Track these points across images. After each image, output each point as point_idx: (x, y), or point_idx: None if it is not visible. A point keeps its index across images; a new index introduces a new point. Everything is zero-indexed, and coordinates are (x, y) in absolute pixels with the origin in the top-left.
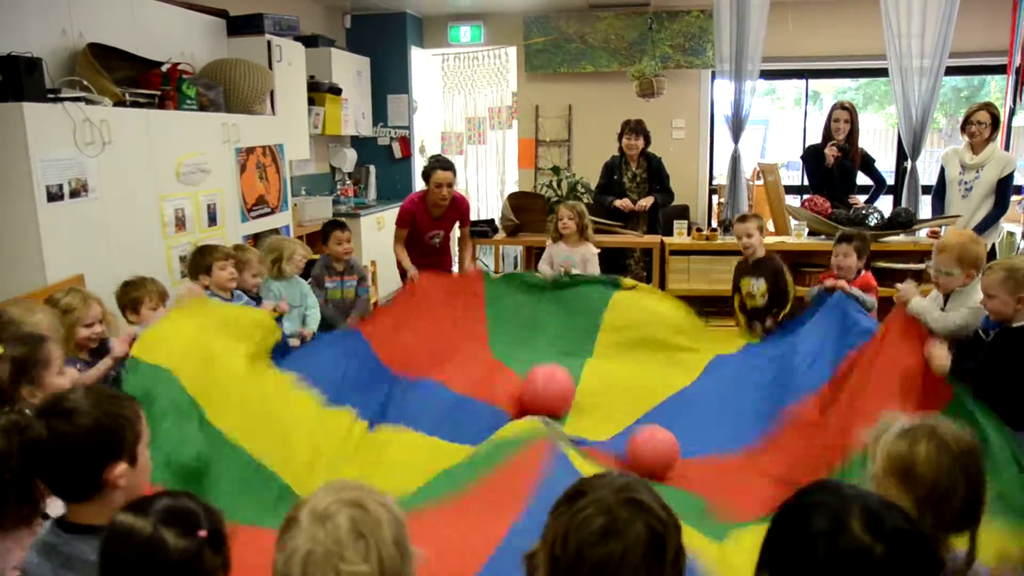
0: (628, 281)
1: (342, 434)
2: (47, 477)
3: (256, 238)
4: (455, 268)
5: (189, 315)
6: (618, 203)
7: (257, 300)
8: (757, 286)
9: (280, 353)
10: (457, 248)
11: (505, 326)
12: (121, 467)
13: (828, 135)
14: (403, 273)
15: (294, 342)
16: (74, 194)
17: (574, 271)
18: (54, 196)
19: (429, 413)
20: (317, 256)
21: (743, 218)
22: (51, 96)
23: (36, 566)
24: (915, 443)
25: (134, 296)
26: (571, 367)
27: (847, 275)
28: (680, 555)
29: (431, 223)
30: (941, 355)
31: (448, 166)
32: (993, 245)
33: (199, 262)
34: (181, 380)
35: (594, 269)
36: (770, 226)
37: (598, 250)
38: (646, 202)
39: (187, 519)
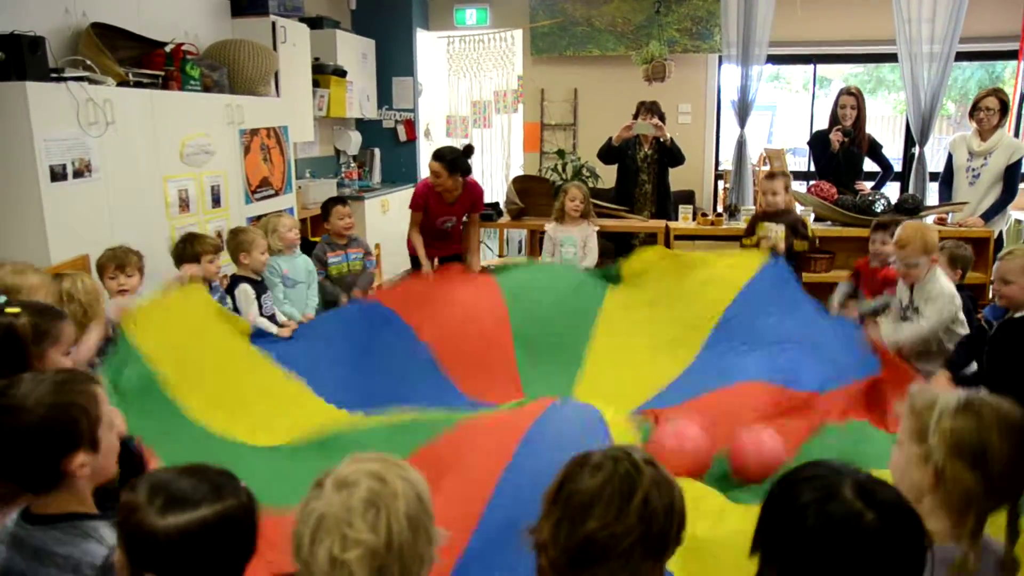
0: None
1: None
2: (5, 471)
3: (259, 220)
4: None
5: (182, 300)
6: (617, 135)
7: (253, 283)
8: (776, 230)
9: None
10: (465, 230)
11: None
12: (80, 457)
13: (835, 120)
14: (416, 256)
15: (292, 325)
16: (77, 174)
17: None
18: (58, 176)
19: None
20: (317, 239)
21: (771, 175)
22: (54, 75)
23: (7, 559)
24: (982, 418)
25: (118, 262)
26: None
27: (882, 261)
28: (653, 501)
29: (444, 208)
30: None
31: (438, 156)
32: (1000, 232)
33: (187, 251)
34: (153, 368)
35: (593, 246)
36: None
37: (597, 228)
38: (660, 132)
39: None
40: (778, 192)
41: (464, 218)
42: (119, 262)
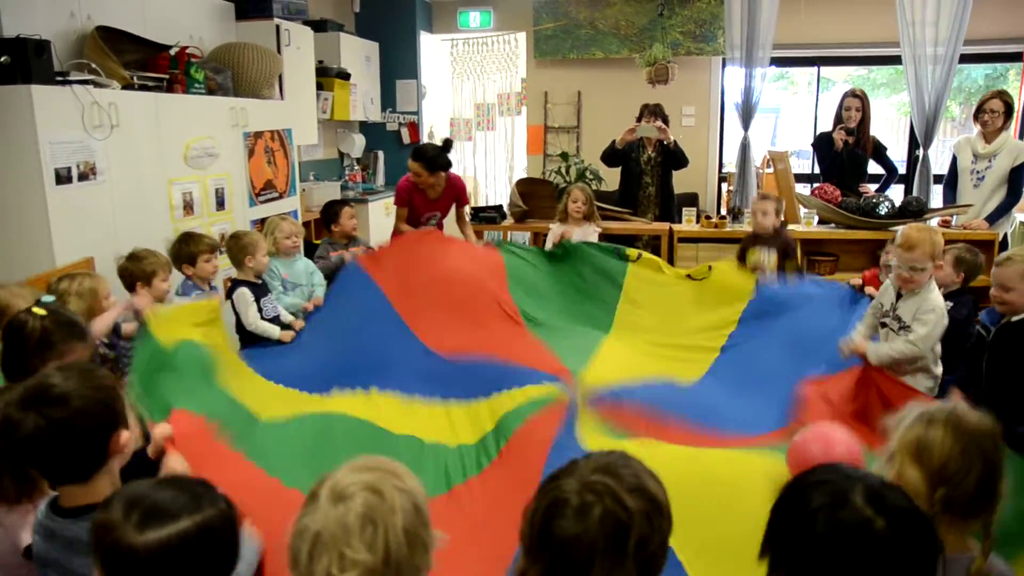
0: (631, 252)
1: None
2: (48, 466)
3: (263, 223)
4: None
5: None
6: (620, 139)
7: (253, 286)
8: (768, 257)
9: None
10: (458, 229)
11: (526, 292)
12: (125, 435)
13: (839, 122)
14: None
15: (297, 325)
16: (82, 177)
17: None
18: (62, 179)
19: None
20: (319, 242)
21: (764, 196)
22: (59, 79)
23: (44, 550)
24: (931, 425)
25: (150, 270)
26: (588, 340)
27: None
28: (648, 542)
29: (427, 203)
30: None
31: (418, 157)
32: (1005, 235)
33: (183, 250)
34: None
35: None
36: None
37: (599, 230)
38: (664, 135)
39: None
40: (768, 213)
41: (450, 213)
42: (168, 264)
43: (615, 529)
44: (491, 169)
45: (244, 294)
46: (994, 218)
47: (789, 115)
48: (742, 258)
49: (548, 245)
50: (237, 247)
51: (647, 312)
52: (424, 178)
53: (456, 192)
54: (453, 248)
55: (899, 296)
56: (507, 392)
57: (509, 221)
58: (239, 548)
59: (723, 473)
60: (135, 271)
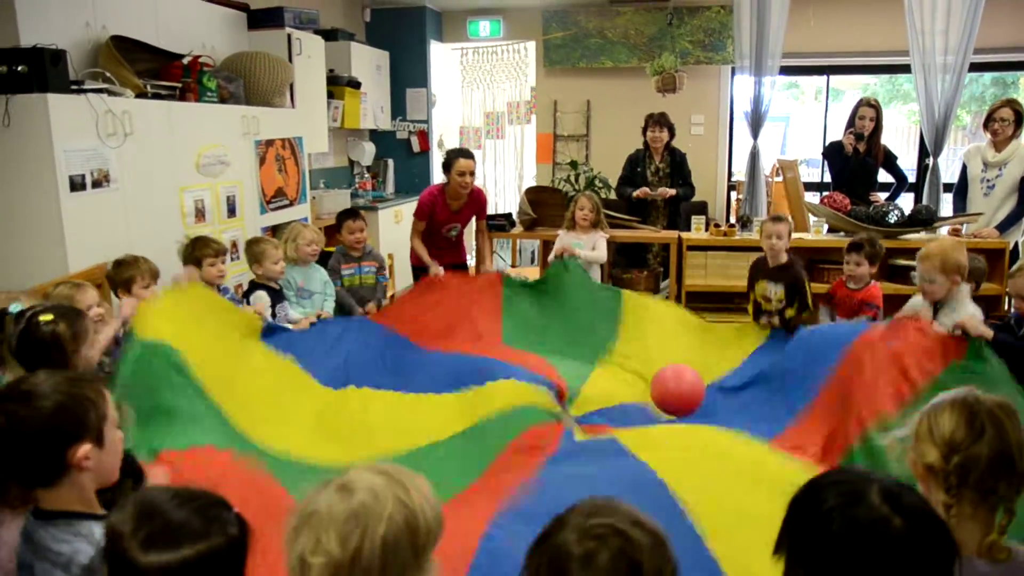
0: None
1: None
2: (7, 464)
3: (274, 230)
4: (470, 260)
5: (185, 295)
6: (638, 193)
7: (270, 291)
8: (775, 291)
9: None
10: (475, 241)
11: (520, 325)
12: (85, 448)
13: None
14: (418, 267)
15: (304, 323)
16: (96, 184)
17: (579, 252)
18: (77, 186)
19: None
20: (332, 249)
21: (776, 219)
22: (74, 88)
23: (21, 552)
24: (938, 410)
25: (126, 276)
26: (579, 369)
27: (858, 284)
28: (663, 571)
29: (449, 216)
30: (979, 325)
31: (470, 155)
32: (1016, 244)
33: (189, 254)
34: (181, 354)
35: (601, 250)
36: None
37: (607, 236)
38: (667, 191)
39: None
40: (782, 236)
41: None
42: (153, 271)
43: (628, 568)
44: (501, 177)
45: (261, 297)
46: (1004, 227)
47: (798, 124)
48: (751, 286)
49: (555, 248)
50: (249, 254)
51: (643, 344)
52: (474, 173)
53: (479, 205)
54: (451, 295)
55: (937, 309)
56: (499, 382)
57: (518, 229)
58: (243, 571)
59: (725, 445)
60: (115, 278)
